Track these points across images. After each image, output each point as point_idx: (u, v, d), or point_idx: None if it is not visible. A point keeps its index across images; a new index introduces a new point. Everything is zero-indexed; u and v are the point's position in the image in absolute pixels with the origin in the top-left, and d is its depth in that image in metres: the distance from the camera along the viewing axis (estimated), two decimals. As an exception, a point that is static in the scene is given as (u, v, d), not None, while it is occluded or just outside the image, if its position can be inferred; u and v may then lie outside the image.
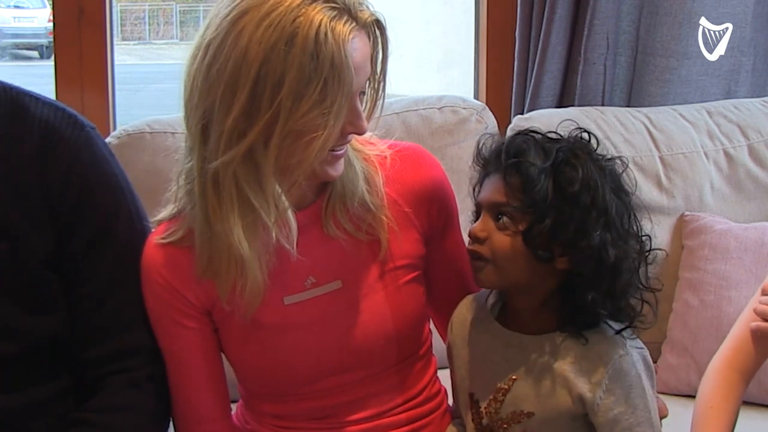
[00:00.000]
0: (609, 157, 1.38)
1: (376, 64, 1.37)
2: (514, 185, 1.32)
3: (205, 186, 1.34)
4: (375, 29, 1.35)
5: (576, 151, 1.35)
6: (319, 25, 1.26)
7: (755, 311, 1.56)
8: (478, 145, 1.41)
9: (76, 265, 1.43)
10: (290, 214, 1.36)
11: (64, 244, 1.42)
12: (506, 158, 1.34)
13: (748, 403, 1.76)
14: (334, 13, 1.28)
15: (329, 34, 1.27)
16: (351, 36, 1.29)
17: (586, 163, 1.34)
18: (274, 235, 1.35)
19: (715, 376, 1.56)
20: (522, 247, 1.32)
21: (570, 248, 1.32)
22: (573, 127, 1.39)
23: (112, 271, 1.44)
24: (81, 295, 1.44)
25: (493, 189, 1.35)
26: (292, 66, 1.26)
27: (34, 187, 1.40)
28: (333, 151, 1.35)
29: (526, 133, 1.37)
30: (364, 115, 1.36)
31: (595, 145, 1.38)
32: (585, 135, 1.38)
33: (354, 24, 1.30)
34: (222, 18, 1.30)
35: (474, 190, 1.40)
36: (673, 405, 1.49)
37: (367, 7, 1.33)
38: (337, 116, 1.29)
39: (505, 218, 1.33)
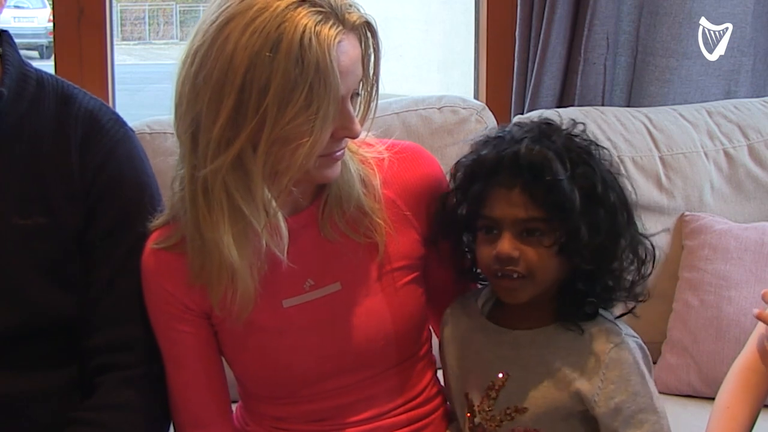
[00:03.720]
0: (592, 141, 1.37)
1: (368, 66, 1.35)
2: (541, 200, 1.30)
3: (196, 194, 1.33)
4: (366, 31, 1.34)
5: (584, 147, 1.34)
6: (304, 30, 1.25)
7: (757, 316, 1.54)
8: (477, 153, 1.37)
9: (93, 251, 1.48)
10: (281, 220, 1.36)
11: (87, 228, 1.47)
12: (531, 174, 1.30)
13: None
14: (320, 17, 1.27)
15: (314, 39, 1.25)
16: (337, 40, 1.27)
17: (595, 159, 1.34)
18: (264, 242, 1.34)
19: (735, 377, 1.54)
20: (553, 257, 1.31)
21: (601, 249, 1.31)
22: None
23: (121, 264, 1.47)
24: (91, 280, 1.48)
25: (514, 205, 1.31)
26: (277, 72, 1.25)
27: (75, 168, 1.47)
28: (330, 155, 1.34)
29: (536, 139, 1.33)
30: (357, 117, 1.35)
31: (580, 131, 1.37)
32: (570, 122, 1.37)
33: (341, 27, 1.28)
34: (209, 24, 1.29)
35: (466, 197, 1.37)
36: (673, 405, 1.49)
37: (357, 10, 1.32)
38: (324, 122, 1.28)
39: (537, 233, 1.31)
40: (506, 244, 1.31)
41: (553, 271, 1.33)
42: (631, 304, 1.39)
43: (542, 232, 1.31)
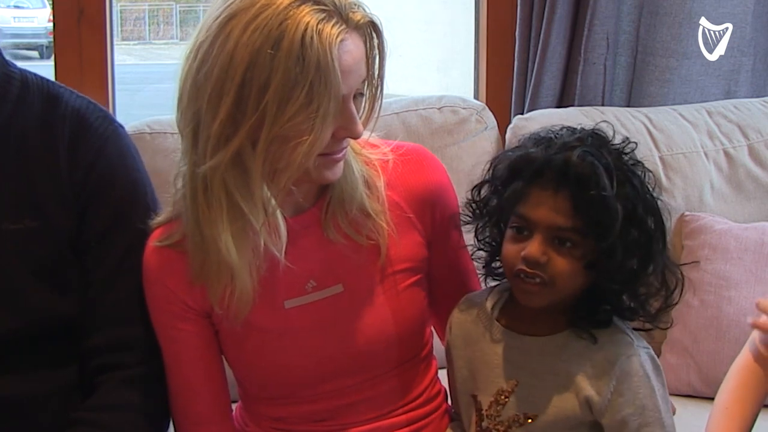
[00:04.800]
0: (639, 161, 1.36)
1: (372, 66, 1.35)
2: (583, 211, 1.28)
3: (196, 190, 1.33)
4: (370, 31, 1.33)
5: (631, 167, 1.33)
6: (306, 28, 1.25)
7: (757, 304, 1.54)
8: (525, 149, 1.34)
9: (89, 252, 1.46)
10: (280, 219, 1.36)
11: (81, 228, 1.46)
12: (578, 184, 1.28)
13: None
14: (323, 15, 1.26)
15: (315, 37, 1.25)
16: (339, 39, 1.26)
17: (640, 180, 1.32)
18: (262, 240, 1.34)
19: (734, 378, 1.54)
20: (580, 269, 1.30)
21: (630, 271, 1.30)
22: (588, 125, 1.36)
23: (119, 263, 1.46)
24: (89, 281, 1.47)
25: (555, 211, 1.29)
26: (278, 69, 1.25)
27: (65, 170, 1.45)
28: (330, 155, 1.34)
29: (588, 149, 1.30)
30: (359, 118, 1.34)
31: (631, 149, 1.35)
32: (619, 136, 1.36)
33: (344, 26, 1.28)
34: (212, 21, 1.29)
35: (504, 192, 1.35)
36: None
37: (361, 9, 1.31)
38: (324, 120, 1.27)
39: (568, 243, 1.29)
40: (536, 247, 1.29)
41: (575, 283, 1.31)
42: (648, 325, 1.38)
43: (574, 243, 1.29)
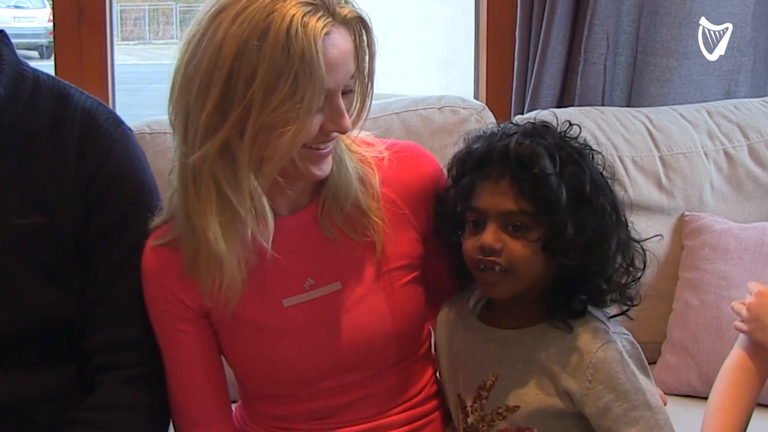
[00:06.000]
0: (586, 144, 1.39)
1: (362, 62, 1.36)
2: (527, 192, 1.31)
3: (186, 181, 1.34)
4: (359, 26, 1.34)
5: (576, 148, 1.35)
6: (292, 20, 1.26)
7: (732, 308, 1.56)
8: (469, 147, 1.39)
9: (92, 251, 1.47)
10: (267, 209, 1.36)
11: (85, 227, 1.46)
12: (519, 166, 1.31)
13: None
14: (309, 8, 1.28)
15: (300, 29, 1.26)
16: (324, 31, 1.28)
17: (587, 160, 1.35)
18: (250, 231, 1.35)
19: (727, 376, 1.55)
20: (538, 253, 1.32)
21: (588, 249, 1.32)
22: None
23: (121, 264, 1.47)
24: (90, 280, 1.47)
25: (501, 197, 1.32)
26: (264, 60, 1.26)
27: (72, 168, 1.46)
28: (317, 149, 1.35)
29: (528, 135, 1.35)
30: (347, 113, 1.35)
31: (576, 134, 1.38)
32: (566, 125, 1.38)
33: (330, 19, 1.29)
34: (203, 15, 1.31)
35: (457, 191, 1.38)
36: (673, 405, 1.49)
37: (350, 5, 1.33)
38: (309, 111, 1.29)
39: (522, 228, 1.31)
40: (490, 235, 1.32)
41: (535, 268, 1.33)
42: (624, 307, 1.40)
43: (528, 227, 1.31)
